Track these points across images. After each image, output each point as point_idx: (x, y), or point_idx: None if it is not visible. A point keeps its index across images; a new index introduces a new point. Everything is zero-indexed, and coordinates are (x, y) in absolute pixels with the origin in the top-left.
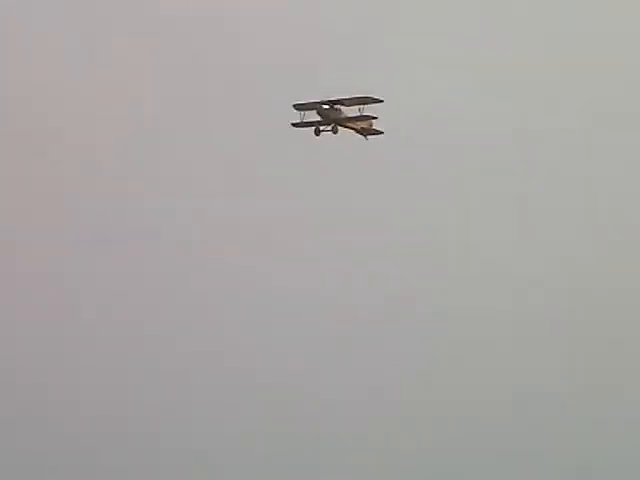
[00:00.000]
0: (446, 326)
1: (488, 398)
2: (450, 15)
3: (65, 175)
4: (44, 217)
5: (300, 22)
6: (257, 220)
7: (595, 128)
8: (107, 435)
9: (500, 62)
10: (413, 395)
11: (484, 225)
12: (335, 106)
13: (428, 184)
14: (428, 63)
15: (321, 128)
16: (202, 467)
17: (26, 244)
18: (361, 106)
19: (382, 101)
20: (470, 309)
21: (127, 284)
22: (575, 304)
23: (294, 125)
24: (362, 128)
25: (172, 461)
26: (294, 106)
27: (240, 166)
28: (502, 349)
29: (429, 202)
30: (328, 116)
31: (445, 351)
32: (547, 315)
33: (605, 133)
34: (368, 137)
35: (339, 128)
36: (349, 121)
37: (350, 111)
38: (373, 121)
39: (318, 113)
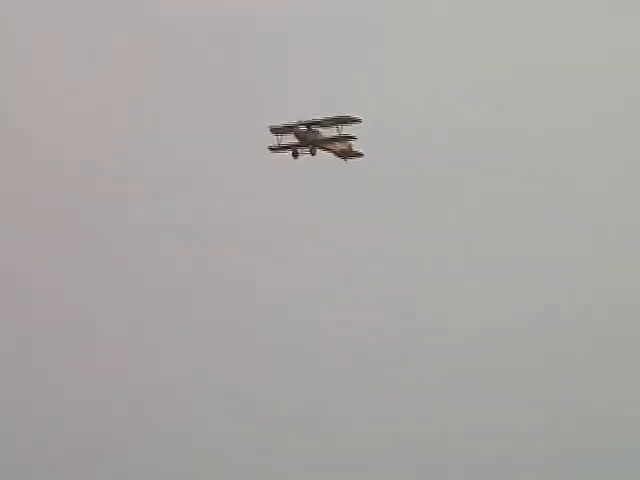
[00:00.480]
0: (446, 326)
1: (488, 398)
2: (440, 26)
3: (65, 175)
4: (44, 217)
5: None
6: (257, 220)
7: (595, 128)
8: (107, 435)
9: (500, 62)
10: (413, 395)
11: (484, 225)
12: (312, 127)
13: (428, 184)
14: (415, 75)
15: (299, 150)
16: (202, 467)
17: (26, 244)
18: (339, 126)
19: (360, 120)
20: (470, 309)
21: (127, 284)
22: (575, 304)
23: (271, 149)
24: (342, 150)
25: (172, 461)
26: (270, 129)
27: (240, 166)
28: (502, 349)
29: (429, 202)
30: (305, 138)
31: (445, 351)
32: (547, 315)
33: (605, 133)
34: (348, 160)
35: (317, 150)
36: (327, 142)
37: (328, 132)
38: (352, 142)
39: (295, 135)
